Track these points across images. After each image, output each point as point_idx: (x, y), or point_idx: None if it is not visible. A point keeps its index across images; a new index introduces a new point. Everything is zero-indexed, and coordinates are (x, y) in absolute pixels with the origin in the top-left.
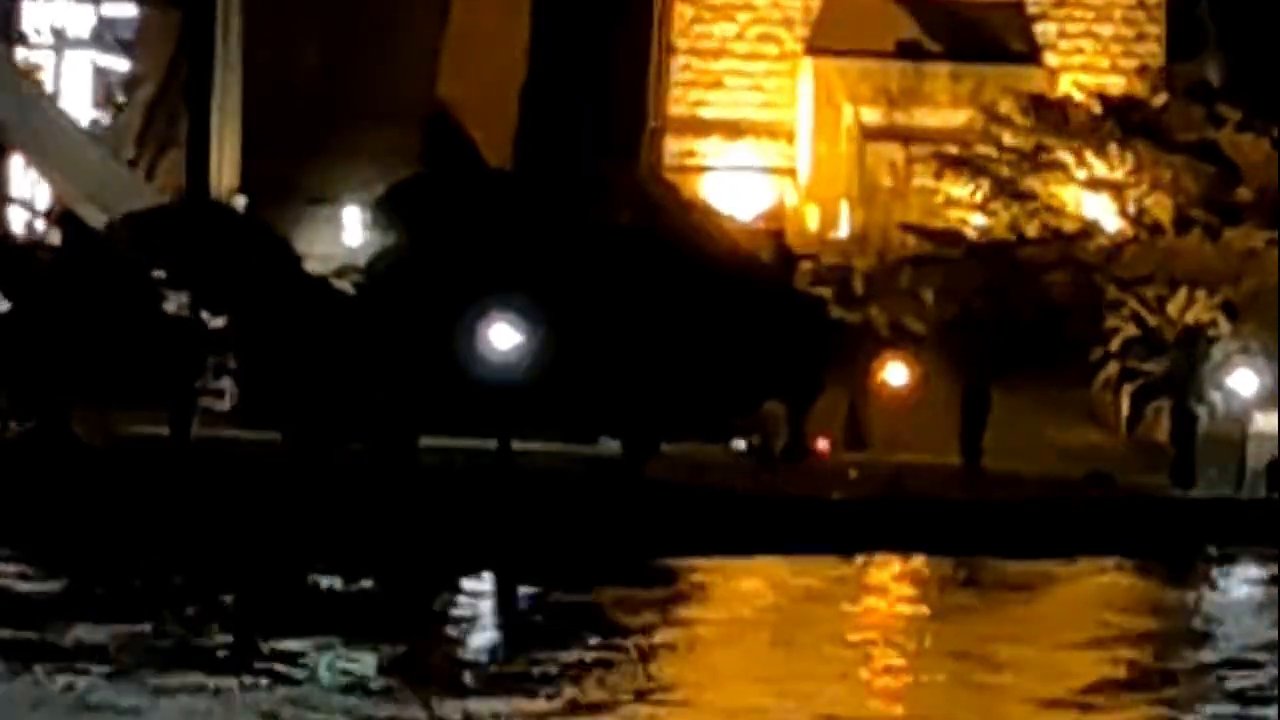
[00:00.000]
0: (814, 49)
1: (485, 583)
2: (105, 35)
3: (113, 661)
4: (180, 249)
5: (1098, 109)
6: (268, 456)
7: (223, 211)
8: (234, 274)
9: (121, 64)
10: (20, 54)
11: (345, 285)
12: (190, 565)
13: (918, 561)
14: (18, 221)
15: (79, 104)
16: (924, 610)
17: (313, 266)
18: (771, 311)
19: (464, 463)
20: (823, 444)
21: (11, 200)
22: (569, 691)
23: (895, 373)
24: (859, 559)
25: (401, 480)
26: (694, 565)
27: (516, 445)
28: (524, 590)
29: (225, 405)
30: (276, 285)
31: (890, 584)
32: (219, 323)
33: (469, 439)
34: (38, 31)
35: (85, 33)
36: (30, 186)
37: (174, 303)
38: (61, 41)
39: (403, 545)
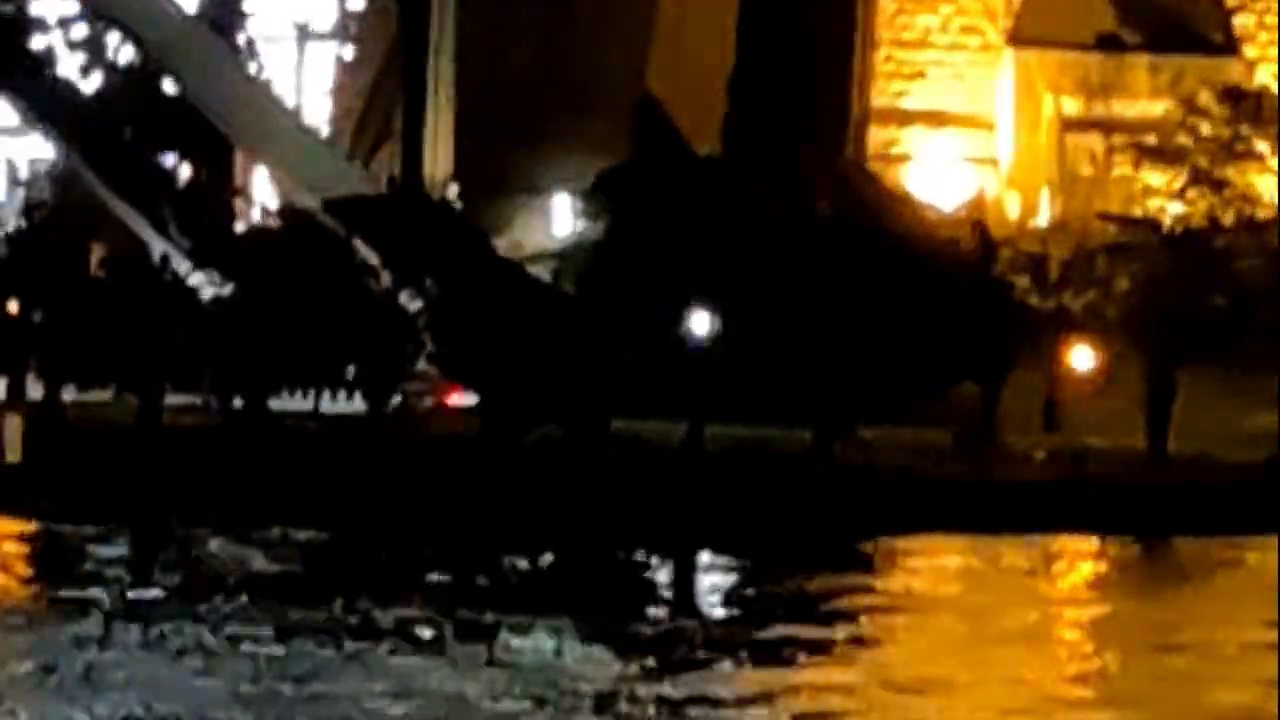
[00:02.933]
0: (1015, 40)
1: (681, 562)
2: (349, 28)
3: (334, 642)
4: (383, 234)
5: None
6: (465, 436)
7: (420, 197)
8: (432, 258)
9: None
10: (242, 40)
11: (542, 271)
12: (389, 544)
13: (1100, 542)
14: (252, 213)
15: (320, 97)
16: (1109, 587)
17: (524, 255)
18: (964, 296)
19: (656, 445)
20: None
21: (242, 193)
22: (772, 664)
23: (1084, 358)
24: (1043, 539)
25: (596, 461)
26: (882, 545)
27: (711, 430)
28: (719, 569)
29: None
30: (472, 270)
31: (1074, 563)
32: (417, 305)
33: (662, 422)
34: (277, 24)
35: (328, 26)
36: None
37: (375, 286)
38: (304, 35)
39: (599, 525)
